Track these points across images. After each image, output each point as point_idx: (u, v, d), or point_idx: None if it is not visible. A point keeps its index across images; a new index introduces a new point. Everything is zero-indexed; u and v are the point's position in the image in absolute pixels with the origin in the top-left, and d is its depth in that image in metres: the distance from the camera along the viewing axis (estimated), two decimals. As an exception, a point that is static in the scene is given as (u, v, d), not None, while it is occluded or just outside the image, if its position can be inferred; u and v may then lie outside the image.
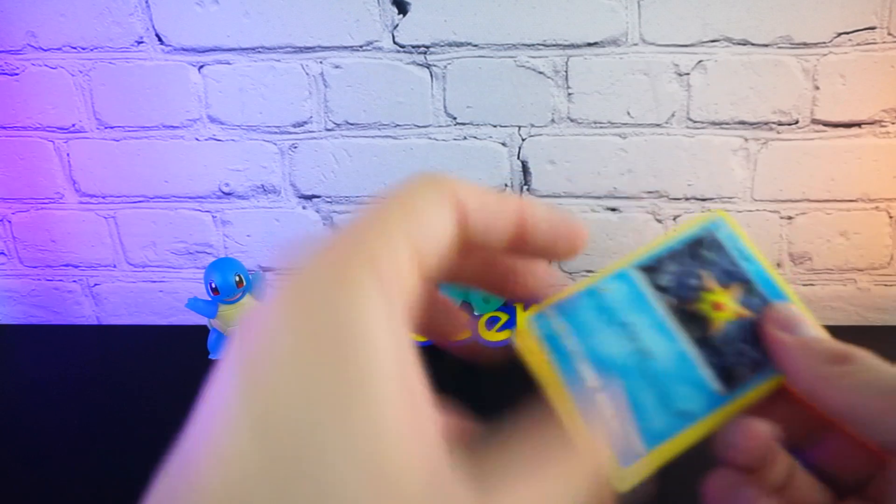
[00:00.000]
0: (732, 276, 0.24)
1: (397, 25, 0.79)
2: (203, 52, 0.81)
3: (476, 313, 0.77)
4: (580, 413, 0.21)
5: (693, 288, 0.24)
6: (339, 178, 0.85)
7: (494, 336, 0.75)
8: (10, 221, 0.90)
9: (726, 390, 0.22)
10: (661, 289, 0.24)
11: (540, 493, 0.16)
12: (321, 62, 0.81)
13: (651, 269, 0.24)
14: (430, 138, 0.83)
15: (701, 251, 0.25)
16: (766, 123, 0.80)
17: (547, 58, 0.79)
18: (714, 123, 0.80)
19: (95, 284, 0.92)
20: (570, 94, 0.80)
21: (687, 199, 0.83)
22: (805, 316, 0.23)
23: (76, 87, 0.83)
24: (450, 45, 0.79)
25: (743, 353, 0.23)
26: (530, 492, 0.16)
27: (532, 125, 0.82)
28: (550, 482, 0.17)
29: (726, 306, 0.23)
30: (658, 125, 0.81)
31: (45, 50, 0.82)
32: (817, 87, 0.78)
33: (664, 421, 0.21)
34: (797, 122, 0.79)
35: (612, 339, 0.23)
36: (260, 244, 0.89)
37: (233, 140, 0.85)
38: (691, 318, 0.23)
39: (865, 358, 0.21)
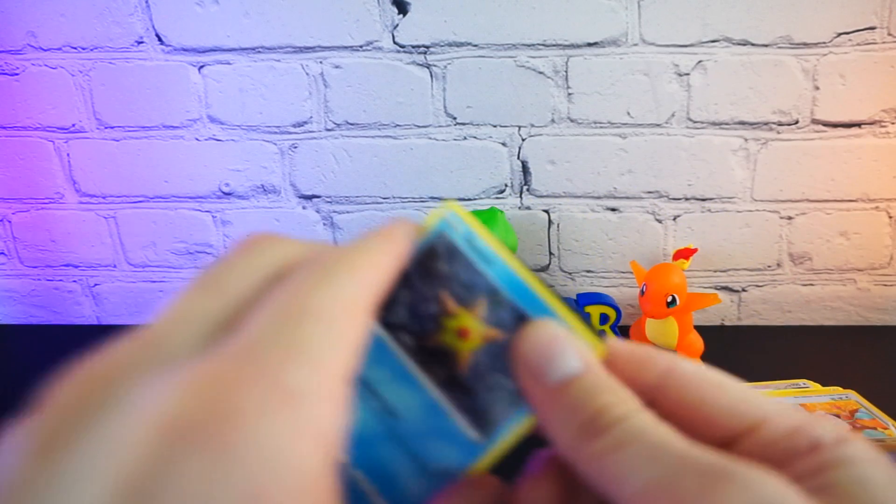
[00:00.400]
0: (475, 289, 0.19)
1: (397, 25, 0.79)
2: (203, 52, 0.81)
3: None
4: (341, 494, 0.19)
5: (431, 317, 0.19)
6: (339, 178, 0.85)
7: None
8: (10, 221, 0.90)
9: (484, 436, 0.19)
10: (395, 327, 0.19)
11: None
12: (321, 62, 0.81)
13: (381, 303, 0.19)
14: (430, 138, 0.83)
15: (435, 265, 0.19)
16: (766, 123, 0.80)
17: (547, 58, 0.79)
18: (714, 123, 0.80)
19: (95, 284, 0.92)
20: (570, 94, 0.80)
21: (687, 199, 0.83)
22: (565, 339, 0.18)
23: (76, 87, 0.83)
24: (450, 45, 0.79)
25: (498, 385, 0.19)
26: None
27: (532, 125, 0.82)
28: None
29: (472, 331, 0.19)
30: (658, 125, 0.81)
31: (45, 50, 0.82)
32: (817, 87, 0.78)
33: (422, 486, 0.19)
34: (797, 122, 0.79)
35: (353, 405, 0.19)
36: (260, 244, 0.89)
37: (233, 140, 0.85)
38: (435, 355, 0.19)
39: (629, 423, 0.16)
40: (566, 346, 0.18)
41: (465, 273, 0.19)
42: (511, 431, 0.19)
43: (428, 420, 0.19)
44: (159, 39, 0.81)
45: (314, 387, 0.13)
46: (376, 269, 0.17)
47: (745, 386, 0.18)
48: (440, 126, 0.82)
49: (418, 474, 0.19)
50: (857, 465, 0.15)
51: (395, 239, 0.19)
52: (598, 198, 0.84)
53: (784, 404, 0.18)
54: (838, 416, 0.56)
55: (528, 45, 0.78)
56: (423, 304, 0.19)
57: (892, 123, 0.78)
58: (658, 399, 0.18)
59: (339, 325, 0.15)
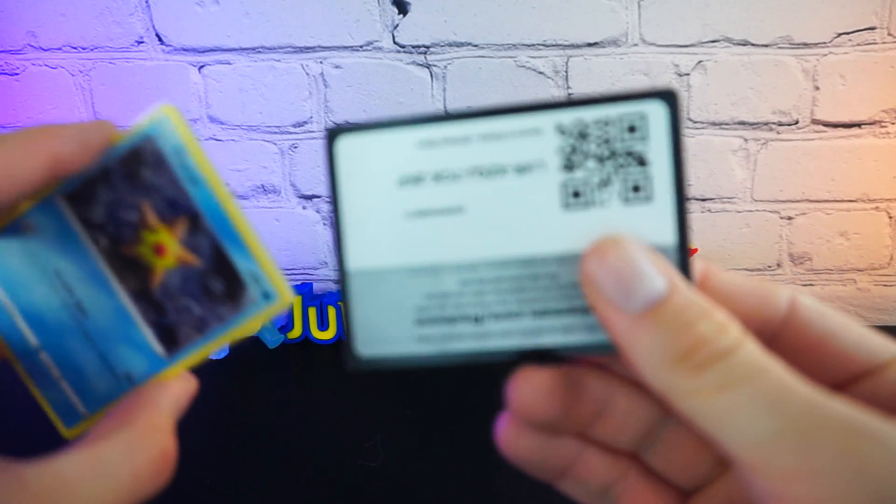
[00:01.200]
0: (177, 207, 0.18)
1: (397, 25, 0.79)
2: (203, 52, 0.81)
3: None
4: (29, 374, 0.20)
5: (131, 225, 0.19)
6: (338, 178, 0.85)
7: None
8: (10, 221, 0.90)
9: (169, 353, 0.19)
10: (93, 226, 0.19)
11: (94, 456, 0.16)
12: (321, 62, 0.81)
13: (79, 197, 0.18)
14: (429, 138, 0.83)
15: (140, 171, 0.18)
16: (765, 124, 0.80)
17: (547, 58, 0.79)
18: (714, 123, 0.80)
19: (95, 284, 0.92)
20: (570, 94, 0.80)
21: (687, 199, 0.83)
22: (643, 256, 0.15)
23: (76, 87, 0.83)
24: (450, 45, 0.79)
25: (185, 309, 0.19)
26: (84, 455, 0.15)
27: (532, 125, 0.81)
28: (105, 448, 0.16)
29: (168, 249, 0.19)
30: (658, 125, 0.80)
31: (45, 50, 0.82)
32: (817, 88, 0.78)
33: (107, 384, 0.19)
34: (797, 123, 0.79)
35: (44, 292, 0.19)
36: (260, 244, 0.89)
37: (233, 140, 0.85)
38: (130, 264, 0.19)
39: (738, 357, 0.14)
40: (646, 266, 0.15)
41: (169, 188, 0.18)
42: (198, 352, 0.19)
43: (117, 326, 0.19)
44: (159, 39, 0.81)
45: None
46: None
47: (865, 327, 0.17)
48: (440, 126, 0.82)
49: (105, 373, 0.19)
50: None
51: (45, 138, 0.16)
52: (598, 198, 0.84)
53: None
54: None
55: (528, 45, 0.79)
56: (123, 210, 0.19)
57: (892, 123, 0.78)
58: (779, 336, 0.17)
59: None
